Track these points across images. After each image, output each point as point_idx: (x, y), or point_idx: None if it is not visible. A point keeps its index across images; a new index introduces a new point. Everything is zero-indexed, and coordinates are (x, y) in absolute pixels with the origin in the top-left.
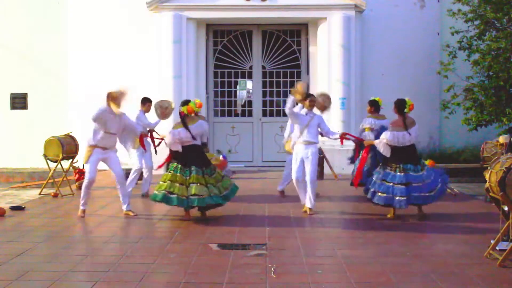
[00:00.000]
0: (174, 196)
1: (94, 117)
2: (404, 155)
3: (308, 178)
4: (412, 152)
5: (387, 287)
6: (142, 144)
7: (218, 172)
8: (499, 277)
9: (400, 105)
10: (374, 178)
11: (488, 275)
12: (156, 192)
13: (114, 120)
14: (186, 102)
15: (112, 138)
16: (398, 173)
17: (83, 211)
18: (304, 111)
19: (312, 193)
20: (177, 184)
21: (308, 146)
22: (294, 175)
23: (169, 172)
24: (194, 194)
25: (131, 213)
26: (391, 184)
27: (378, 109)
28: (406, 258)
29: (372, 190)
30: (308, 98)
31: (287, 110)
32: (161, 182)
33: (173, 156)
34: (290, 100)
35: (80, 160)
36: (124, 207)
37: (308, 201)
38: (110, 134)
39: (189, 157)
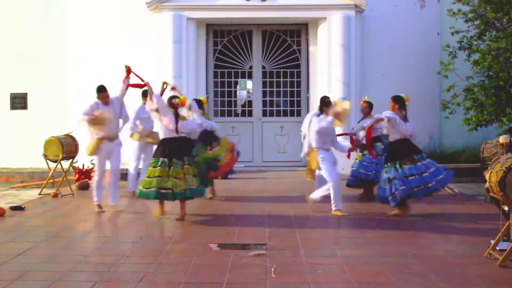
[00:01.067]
0: (169, 192)
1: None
2: (407, 148)
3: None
4: (411, 145)
5: (387, 287)
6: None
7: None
8: (499, 277)
9: (402, 102)
10: (390, 177)
11: (488, 275)
12: (144, 189)
13: (106, 108)
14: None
15: (112, 126)
16: (411, 165)
17: (99, 205)
18: (329, 118)
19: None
20: (166, 178)
21: (330, 151)
22: (336, 179)
23: (154, 167)
24: (170, 188)
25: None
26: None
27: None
28: (406, 258)
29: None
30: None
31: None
32: (147, 178)
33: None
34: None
35: (80, 160)
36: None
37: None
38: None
39: (170, 148)
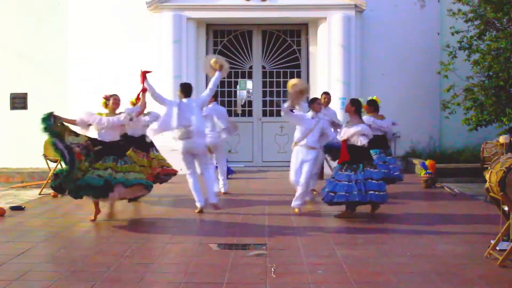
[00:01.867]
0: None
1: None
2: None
3: (302, 180)
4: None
5: (387, 287)
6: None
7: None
8: (499, 277)
9: (359, 105)
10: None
11: (488, 275)
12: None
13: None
14: None
15: None
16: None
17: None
18: (310, 114)
19: (303, 195)
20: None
21: (310, 150)
22: (292, 178)
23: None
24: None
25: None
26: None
27: (377, 109)
28: (406, 258)
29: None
30: (315, 101)
31: (282, 112)
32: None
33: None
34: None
35: None
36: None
37: (295, 200)
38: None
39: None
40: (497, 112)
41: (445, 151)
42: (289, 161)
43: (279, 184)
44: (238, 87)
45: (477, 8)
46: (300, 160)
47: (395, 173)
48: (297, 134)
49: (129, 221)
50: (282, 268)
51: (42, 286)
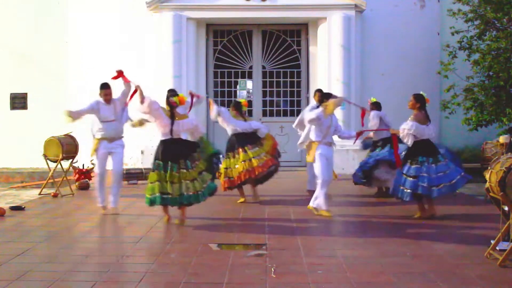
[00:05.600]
0: (169, 196)
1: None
2: (422, 149)
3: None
4: (429, 145)
5: (387, 287)
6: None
7: (199, 166)
8: (499, 277)
9: (422, 100)
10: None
11: (488, 275)
12: (149, 196)
13: (107, 107)
14: (175, 93)
15: (112, 126)
16: (412, 166)
17: (104, 207)
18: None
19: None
20: (167, 184)
21: (330, 147)
22: (327, 177)
23: (152, 171)
24: (170, 193)
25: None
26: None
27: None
28: (406, 258)
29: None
30: (330, 96)
31: (314, 121)
32: (150, 184)
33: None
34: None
35: (80, 160)
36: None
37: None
38: (108, 122)
39: (166, 150)
40: (497, 112)
41: None
42: (289, 161)
43: (279, 184)
44: (238, 87)
45: (477, 8)
46: (325, 159)
47: None
48: (312, 134)
49: (129, 221)
50: (282, 268)
51: (42, 286)
